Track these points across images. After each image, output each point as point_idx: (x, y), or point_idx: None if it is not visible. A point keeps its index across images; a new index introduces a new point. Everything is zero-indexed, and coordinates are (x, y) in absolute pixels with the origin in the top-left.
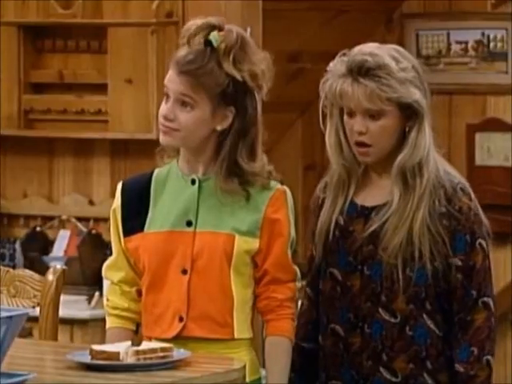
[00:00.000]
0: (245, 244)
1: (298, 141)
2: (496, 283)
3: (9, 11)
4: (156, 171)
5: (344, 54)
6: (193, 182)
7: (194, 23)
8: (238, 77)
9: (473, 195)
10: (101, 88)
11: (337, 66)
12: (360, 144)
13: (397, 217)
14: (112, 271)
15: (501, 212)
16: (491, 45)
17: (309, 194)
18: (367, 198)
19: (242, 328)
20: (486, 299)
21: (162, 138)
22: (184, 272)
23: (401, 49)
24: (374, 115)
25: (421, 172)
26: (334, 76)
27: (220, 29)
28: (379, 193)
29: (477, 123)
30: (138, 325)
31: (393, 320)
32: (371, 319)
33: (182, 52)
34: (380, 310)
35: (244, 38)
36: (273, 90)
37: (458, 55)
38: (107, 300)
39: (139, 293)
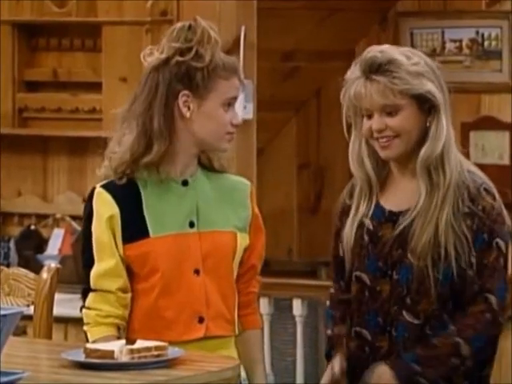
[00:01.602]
0: (243, 241)
1: (292, 139)
2: None
3: (3, 10)
4: (136, 177)
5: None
6: (184, 183)
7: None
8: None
9: (497, 195)
10: (95, 86)
11: (352, 70)
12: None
13: (422, 216)
14: (108, 279)
15: None
16: (486, 43)
17: (303, 193)
18: (394, 203)
19: (236, 324)
20: (488, 295)
21: None
22: (196, 272)
23: (414, 50)
24: (390, 112)
25: (443, 168)
26: (350, 81)
27: None
28: (405, 196)
29: (471, 121)
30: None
31: (416, 322)
32: (397, 322)
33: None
34: (404, 312)
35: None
36: (268, 88)
37: (452, 54)
38: (96, 310)
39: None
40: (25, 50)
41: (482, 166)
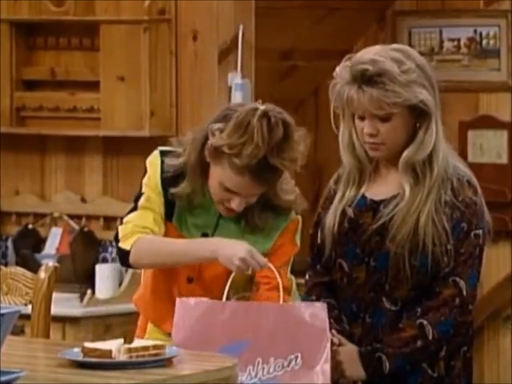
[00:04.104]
0: None
1: None
2: (488, 280)
3: (1, 8)
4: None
5: (349, 58)
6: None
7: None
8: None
9: (479, 190)
10: (93, 85)
11: (342, 72)
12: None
13: (405, 209)
14: (150, 220)
15: (493, 209)
16: (484, 42)
17: (301, 193)
18: (376, 192)
19: None
20: (457, 279)
21: None
22: (189, 280)
23: (404, 48)
24: (383, 118)
25: (431, 166)
26: (341, 82)
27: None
28: (388, 186)
29: (469, 120)
30: None
31: (393, 308)
32: (373, 308)
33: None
34: (383, 298)
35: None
36: (265, 87)
37: (450, 52)
38: (134, 223)
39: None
40: (23, 49)
41: (480, 165)
